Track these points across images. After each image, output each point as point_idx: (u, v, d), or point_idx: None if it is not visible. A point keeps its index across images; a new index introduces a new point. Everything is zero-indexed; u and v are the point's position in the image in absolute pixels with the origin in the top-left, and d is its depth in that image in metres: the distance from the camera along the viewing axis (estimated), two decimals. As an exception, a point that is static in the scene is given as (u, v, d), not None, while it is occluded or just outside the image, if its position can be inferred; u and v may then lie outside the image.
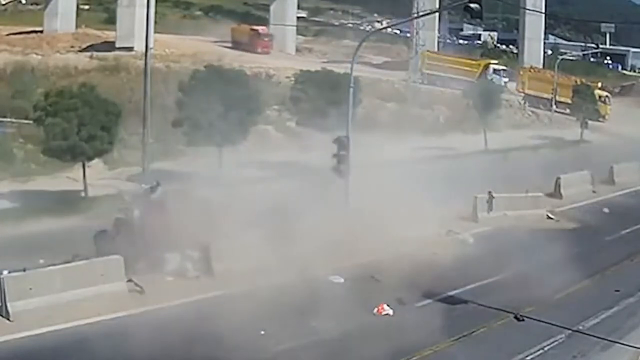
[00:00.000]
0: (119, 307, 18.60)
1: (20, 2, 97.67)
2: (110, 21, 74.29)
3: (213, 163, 32.82)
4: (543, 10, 73.04)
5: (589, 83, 60.91)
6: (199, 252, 21.67)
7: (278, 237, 22.05)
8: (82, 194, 29.27)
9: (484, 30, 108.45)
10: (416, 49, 63.37)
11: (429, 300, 20.34)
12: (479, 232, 27.76)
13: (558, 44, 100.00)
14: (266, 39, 75.17)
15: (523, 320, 18.96)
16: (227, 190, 27.73)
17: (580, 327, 18.69)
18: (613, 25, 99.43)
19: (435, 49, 72.66)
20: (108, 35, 68.57)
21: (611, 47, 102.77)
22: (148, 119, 26.23)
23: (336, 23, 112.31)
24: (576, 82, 60.15)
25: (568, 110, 60.83)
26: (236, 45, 73.70)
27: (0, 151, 35.40)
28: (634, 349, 17.57)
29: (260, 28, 76.60)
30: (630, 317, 19.87)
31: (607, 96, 65.65)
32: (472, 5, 21.58)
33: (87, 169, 29.49)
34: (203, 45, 70.16)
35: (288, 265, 20.96)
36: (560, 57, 69.50)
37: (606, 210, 32.07)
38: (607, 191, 35.91)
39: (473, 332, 18.29)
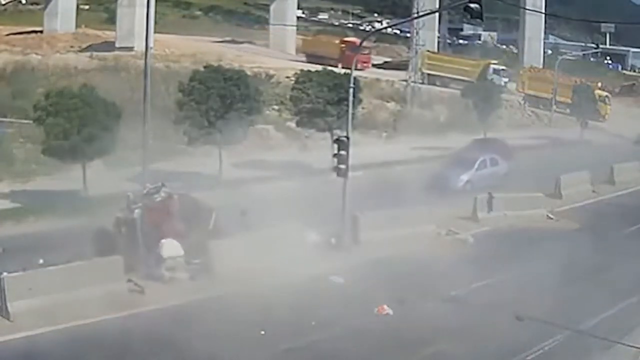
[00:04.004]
0: (119, 307, 18.60)
1: (20, 2, 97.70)
2: (110, 21, 74.32)
3: (212, 163, 32.85)
4: (543, 10, 73.00)
5: (589, 83, 60.87)
6: (201, 252, 21.70)
7: (279, 237, 22.09)
8: (82, 194, 29.26)
9: (484, 30, 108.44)
10: (416, 49, 63.28)
11: (428, 300, 20.34)
12: (479, 232, 27.78)
13: (558, 44, 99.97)
14: (365, 52, 65.86)
15: (523, 320, 18.94)
16: (224, 191, 27.83)
17: (580, 327, 18.69)
18: (613, 25, 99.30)
19: (435, 49, 72.63)
20: (108, 35, 68.56)
21: (611, 47, 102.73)
22: (148, 119, 26.18)
23: (336, 23, 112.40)
24: (576, 82, 60.10)
25: (568, 110, 60.81)
26: (314, 59, 61.14)
27: (0, 151, 35.41)
28: (634, 349, 17.57)
29: (355, 40, 67.32)
30: (630, 317, 19.86)
31: (607, 96, 65.60)
32: (472, 5, 21.54)
33: (87, 169, 29.48)
34: (203, 45, 70.12)
35: (287, 265, 20.99)
36: (560, 57, 69.45)
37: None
38: (607, 191, 35.88)
39: (474, 331, 18.29)
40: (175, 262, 21.03)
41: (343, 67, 59.91)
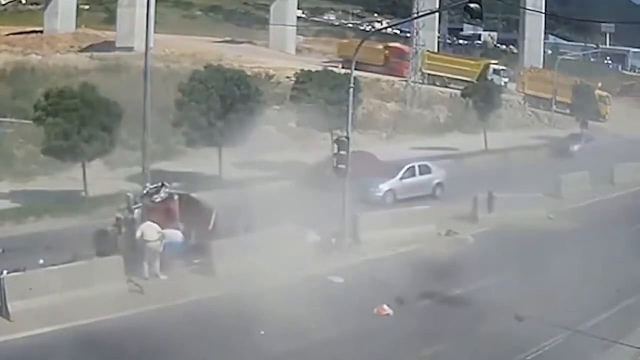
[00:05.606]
0: (119, 307, 18.60)
1: (20, 2, 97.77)
2: (110, 21, 74.42)
3: (213, 163, 32.84)
4: (543, 10, 73.09)
5: (589, 83, 60.90)
6: (201, 252, 21.70)
7: (279, 237, 22.09)
8: (83, 194, 29.27)
9: (484, 30, 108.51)
10: (416, 49, 63.31)
11: (428, 300, 20.36)
12: (479, 232, 27.78)
13: (558, 44, 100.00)
14: (409, 59, 63.95)
15: (523, 320, 18.96)
16: (224, 191, 27.82)
17: (580, 327, 18.70)
18: (613, 25, 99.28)
19: (435, 49, 72.65)
20: (108, 35, 68.65)
21: (611, 47, 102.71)
22: (148, 119, 26.16)
23: (336, 23, 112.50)
24: (576, 82, 60.14)
25: (568, 110, 60.84)
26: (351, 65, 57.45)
27: (0, 151, 35.42)
28: (634, 349, 17.58)
29: (400, 46, 65.83)
30: (630, 317, 19.86)
31: (607, 96, 65.66)
32: (472, 5, 21.54)
33: (87, 169, 29.48)
34: (203, 45, 70.14)
35: (287, 265, 20.99)
36: (560, 57, 69.47)
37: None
38: (607, 191, 35.87)
39: (473, 331, 18.30)
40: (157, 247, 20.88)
41: (387, 75, 58.88)
